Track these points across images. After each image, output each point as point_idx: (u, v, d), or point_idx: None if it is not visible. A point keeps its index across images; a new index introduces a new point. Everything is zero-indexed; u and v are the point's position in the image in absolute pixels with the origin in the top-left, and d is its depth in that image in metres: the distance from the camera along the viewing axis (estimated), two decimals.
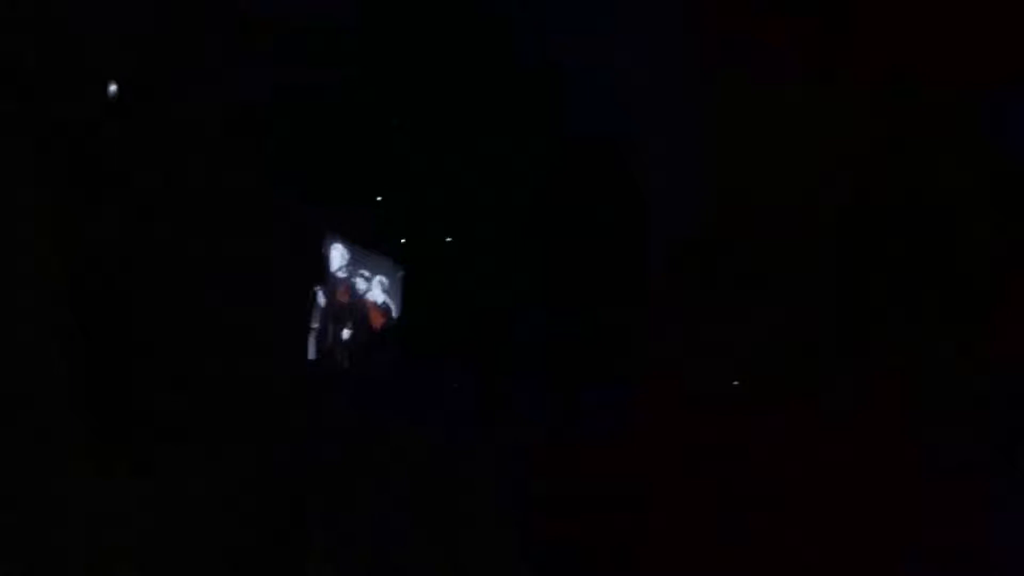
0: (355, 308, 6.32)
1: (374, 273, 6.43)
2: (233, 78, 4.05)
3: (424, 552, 3.05)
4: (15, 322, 3.10)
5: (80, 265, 3.37)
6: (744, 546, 3.28)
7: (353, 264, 6.31)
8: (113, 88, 3.66)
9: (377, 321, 6.54)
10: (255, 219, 4.65)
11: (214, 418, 3.67)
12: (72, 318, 3.19)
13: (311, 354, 5.59)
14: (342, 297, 6.23)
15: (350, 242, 6.19)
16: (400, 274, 6.64)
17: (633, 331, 4.55)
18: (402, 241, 6.42)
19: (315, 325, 5.76)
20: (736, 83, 3.97)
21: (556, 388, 4.43)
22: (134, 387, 3.42)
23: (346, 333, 6.16)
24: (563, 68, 4.47)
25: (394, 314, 6.63)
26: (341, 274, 6.20)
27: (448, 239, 6.19)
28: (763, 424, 3.87)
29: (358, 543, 3.15)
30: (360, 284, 6.36)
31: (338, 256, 6.18)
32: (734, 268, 4.40)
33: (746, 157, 4.16)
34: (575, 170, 4.80)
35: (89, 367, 3.21)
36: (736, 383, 4.05)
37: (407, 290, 6.49)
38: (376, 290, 6.62)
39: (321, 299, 5.85)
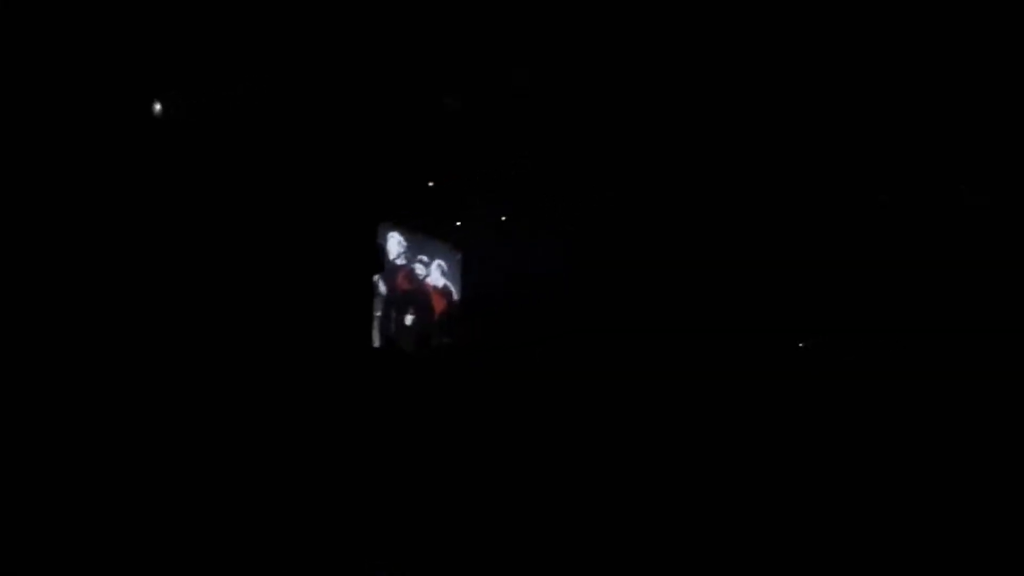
0: (416, 294, 6.47)
1: (432, 258, 6.67)
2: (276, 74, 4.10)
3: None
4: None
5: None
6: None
7: (411, 250, 6.50)
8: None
9: (439, 305, 6.49)
10: (309, 212, 4.60)
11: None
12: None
13: (375, 342, 5.56)
14: (402, 284, 6.36)
15: (407, 229, 6.34)
16: (459, 257, 6.63)
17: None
18: (457, 224, 6.40)
19: (377, 313, 5.74)
20: None
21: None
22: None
23: (408, 319, 6.29)
24: None
25: (455, 296, 6.60)
26: (400, 261, 6.37)
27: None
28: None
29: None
30: (419, 269, 6.55)
31: (396, 243, 6.27)
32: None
33: None
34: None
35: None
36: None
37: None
38: (436, 274, 6.69)
39: (382, 287, 5.80)
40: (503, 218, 6.15)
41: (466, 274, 6.74)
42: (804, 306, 4.30)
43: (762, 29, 3.76)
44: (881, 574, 3.11)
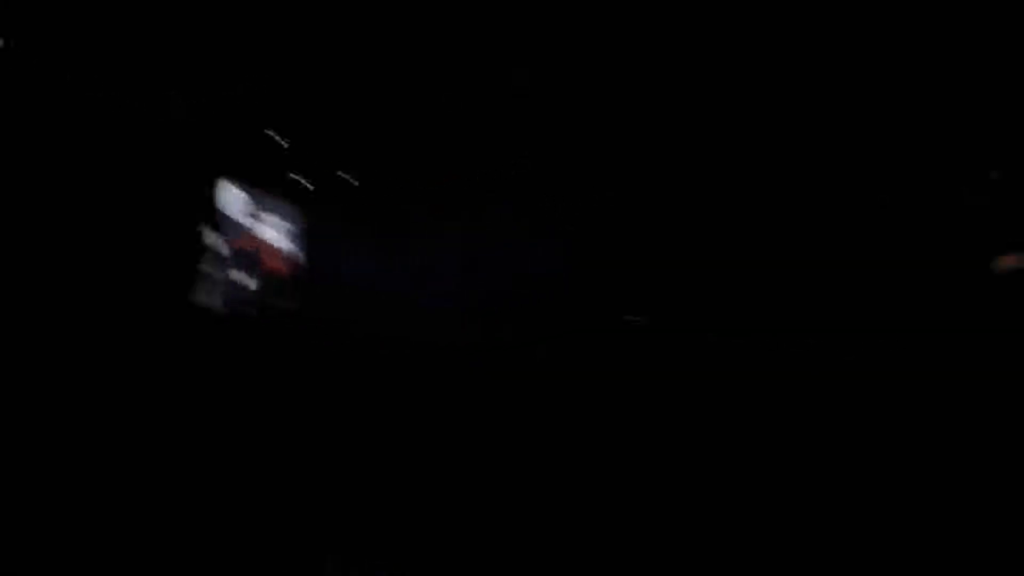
0: (258, 255, 5.79)
1: (279, 218, 6.05)
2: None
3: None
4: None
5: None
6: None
7: (255, 208, 5.78)
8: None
9: (280, 269, 6.04)
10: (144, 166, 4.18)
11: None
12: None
13: (214, 303, 5.02)
14: (244, 244, 5.66)
15: (250, 184, 5.59)
16: (304, 221, 6.09)
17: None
18: (307, 185, 5.97)
19: (215, 273, 5.18)
20: None
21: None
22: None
23: (249, 281, 5.65)
24: None
25: (300, 262, 6.16)
26: (242, 219, 5.62)
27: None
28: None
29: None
30: (263, 230, 5.89)
31: (238, 200, 5.56)
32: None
33: None
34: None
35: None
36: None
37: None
38: (281, 237, 6.09)
39: (221, 247, 5.26)
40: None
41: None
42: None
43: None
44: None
